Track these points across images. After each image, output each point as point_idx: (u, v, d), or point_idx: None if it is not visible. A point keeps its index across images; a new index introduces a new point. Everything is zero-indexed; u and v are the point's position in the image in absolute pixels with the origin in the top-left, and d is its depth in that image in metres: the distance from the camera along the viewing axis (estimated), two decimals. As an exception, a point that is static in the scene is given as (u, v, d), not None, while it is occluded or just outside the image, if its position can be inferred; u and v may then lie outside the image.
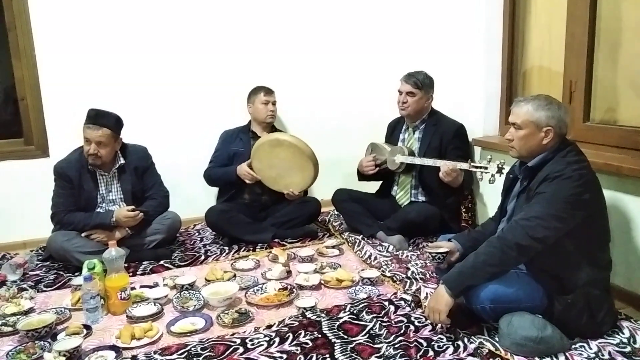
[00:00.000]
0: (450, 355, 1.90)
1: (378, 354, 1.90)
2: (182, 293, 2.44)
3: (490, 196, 3.15)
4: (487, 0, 3.10)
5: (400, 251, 2.94)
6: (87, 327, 2.15)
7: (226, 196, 3.37)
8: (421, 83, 3.06)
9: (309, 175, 3.20)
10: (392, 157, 3.11)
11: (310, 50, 3.74)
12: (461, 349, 1.93)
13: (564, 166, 1.90)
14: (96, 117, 2.76)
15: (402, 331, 2.05)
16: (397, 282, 2.53)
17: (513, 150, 2.06)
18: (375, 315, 2.17)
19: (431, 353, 1.91)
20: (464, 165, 2.64)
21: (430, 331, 2.04)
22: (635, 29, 2.41)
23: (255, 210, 3.32)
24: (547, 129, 1.96)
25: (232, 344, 1.99)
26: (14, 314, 2.28)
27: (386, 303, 2.26)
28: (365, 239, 3.13)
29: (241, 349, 1.95)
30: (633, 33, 2.42)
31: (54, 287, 2.63)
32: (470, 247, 2.12)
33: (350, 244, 3.10)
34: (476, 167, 2.55)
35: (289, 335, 2.03)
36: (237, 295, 2.39)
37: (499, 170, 2.40)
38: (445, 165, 2.72)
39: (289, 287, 2.46)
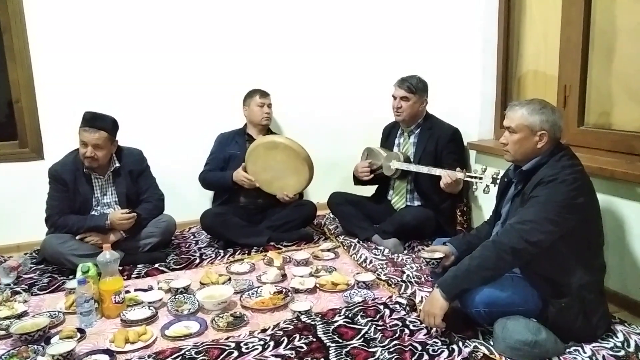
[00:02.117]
0: (445, 359, 1.90)
1: (373, 358, 1.90)
2: (176, 296, 2.43)
3: (485, 200, 3.15)
4: (483, 4, 3.11)
5: (396, 255, 2.94)
6: (81, 330, 2.14)
7: (221, 199, 3.37)
8: (415, 87, 3.07)
9: (304, 178, 3.21)
10: (387, 163, 3.11)
11: (306, 53, 3.74)
12: (456, 352, 1.93)
13: (558, 170, 1.91)
14: (92, 120, 2.76)
15: (397, 335, 2.05)
16: (393, 286, 2.53)
17: (507, 154, 2.07)
18: (370, 319, 2.17)
19: (426, 357, 1.91)
20: (459, 175, 2.64)
21: (425, 335, 2.04)
22: (629, 34, 2.43)
23: (251, 214, 3.32)
24: (541, 133, 1.97)
25: (227, 347, 1.98)
26: (7, 318, 2.27)
27: (381, 307, 2.26)
28: (361, 242, 3.13)
29: (236, 353, 1.95)
30: (627, 37, 2.44)
31: (48, 290, 2.62)
32: (465, 251, 2.12)
33: (345, 248, 3.10)
34: (471, 176, 2.55)
35: (283, 339, 2.02)
36: (232, 298, 2.38)
37: (494, 181, 2.39)
38: (445, 177, 2.71)
39: (284, 290, 2.46)
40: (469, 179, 2.57)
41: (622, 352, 1.91)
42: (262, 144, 3.18)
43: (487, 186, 2.43)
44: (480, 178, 2.47)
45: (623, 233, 2.28)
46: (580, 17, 2.55)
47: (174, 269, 2.85)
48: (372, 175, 3.21)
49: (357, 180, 3.34)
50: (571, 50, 2.62)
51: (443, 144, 3.08)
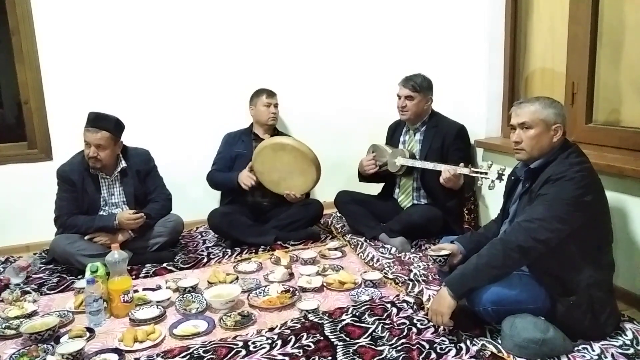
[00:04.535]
0: (452, 357, 1.90)
1: (380, 357, 1.90)
2: (184, 296, 2.44)
3: (492, 198, 3.14)
4: (490, 1, 3.10)
5: (403, 253, 2.93)
6: (90, 330, 2.16)
7: (229, 199, 3.38)
8: (419, 86, 3.06)
9: (311, 179, 3.22)
10: (393, 160, 3.11)
11: (312, 52, 3.74)
12: (464, 351, 1.92)
13: (566, 168, 1.90)
14: (95, 120, 2.76)
15: (404, 333, 2.05)
16: (400, 284, 2.52)
17: (522, 152, 2.01)
18: (377, 317, 2.17)
19: (433, 355, 1.91)
20: (464, 170, 2.64)
21: (432, 333, 2.04)
22: (637, 30, 2.41)
23: (258, 213, 3.33)
24: (556, 127, 1.95)
25: (235, 346, 1.99)
26: (17, 317, 2.29)
27: (388, 305, 2.26)
28: (368, 241, 3.12)
29: (243, 352, 1.96)
30: (635, 34, 2.42)
31: (57, 290, 2.64)
32: (473, 249, 2.11)
33: (352, 246, 3.10)
34: (476, 172, 2.54)
35: (291, 338, 2.03)
36: (240, 297, 2.39)
37: (499, 177, 2.39)
38: (445, 172, 2.71)
39: (291, 289, 2.46)
40: (474, 175, 2.57)
41: (631, 350, 1.90)
42: (269, 145, 3.18)
43: (493, 182, 2.42)
44: (486, 174, 2.47)
45: (632, 230, 2.27)
46: (588, 14, 2.54)
47: (181, 268, 2.86)
48: (377, 168, 3.19)
49: (362, 177, 3.33)
50: (579, 47, 2.61)
51: (449, 141, 3.07)
